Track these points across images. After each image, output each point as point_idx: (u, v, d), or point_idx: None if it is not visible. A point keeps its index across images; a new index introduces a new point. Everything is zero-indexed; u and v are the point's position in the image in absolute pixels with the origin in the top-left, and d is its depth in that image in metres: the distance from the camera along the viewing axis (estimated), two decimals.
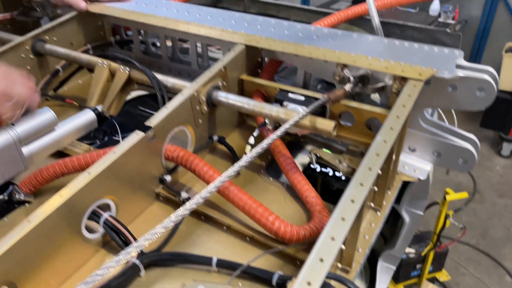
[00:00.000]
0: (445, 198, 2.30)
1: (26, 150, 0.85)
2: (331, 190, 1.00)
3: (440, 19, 4.10)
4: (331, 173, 1.01)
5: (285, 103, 0.92)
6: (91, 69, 1.12)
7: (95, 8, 1.23)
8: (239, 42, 1.02)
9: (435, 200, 2.43)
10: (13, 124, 0.83)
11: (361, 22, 1.35)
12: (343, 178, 1.00)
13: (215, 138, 0.98)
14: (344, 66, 0.92)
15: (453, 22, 4.13)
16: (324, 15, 1.39)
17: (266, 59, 1.10)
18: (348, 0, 4.65)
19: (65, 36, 1.21)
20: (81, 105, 1.11)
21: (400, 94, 0.81)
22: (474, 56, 4.63)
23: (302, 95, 0.93)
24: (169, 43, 1.26)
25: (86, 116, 0.97)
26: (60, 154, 0.96)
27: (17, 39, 1.12)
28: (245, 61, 1.03)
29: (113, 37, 1.33)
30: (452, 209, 2.51)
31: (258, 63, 1.08)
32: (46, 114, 0.88)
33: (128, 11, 1.21)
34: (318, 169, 1.01)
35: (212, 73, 0.92)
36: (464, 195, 2.38)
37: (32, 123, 0.85)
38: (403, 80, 0.86)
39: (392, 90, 0.89)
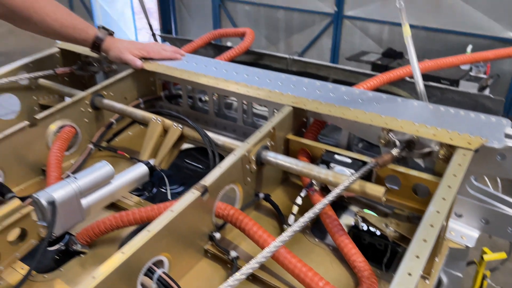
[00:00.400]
0: (482, 258, 2.22)
1: (84, 202, 0.90)
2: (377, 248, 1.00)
3: (472, 73, 4.13)
4: (378, 233, 1.01)
5: (331, 164, 0.95)
6: (142, 123, 1.19)
7: (150, 66, 1.32)
8: (287, 104, 1.07)
9: (471, 259, 2.34)
10: (75, 178, 0.88)
11: (401, 83, 1.38)
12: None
13: (261, 195, 1.00)
14: (390, 130, 0.94)
15: (484, 76, 4.15)
16: (363, 76, 1.44)
17: (311, 119, 1.14)
18: (377, 52, 4.77)
19: (120, 91, 1.29)
20: (132, 157, 1.16)
21: (450, 163, 0.82)
22: (507, 110, 4.59)
23: (349, 157, 0.95)
24: (214, 97, 1.32)
25: (140, 170, 1.01)
26: (111, 205, 1.01)
27: (79, 94, 1.21)
28: (291, 121, 1.07)
29: (162, 92, 1.41)
30: (488, 268, 2.40)
31: (303, 123, 1.12)
32: (105, 168, 0.93)
33: (180, 69, 1.29)
34: (365, 228, 1.01)
35: (262, 134, 0.96)
36: (502, 255, 2.28)
37: (92, 176, 0.91)
38: (450, 147, 0.87)
39: (438, 156, 0.90)
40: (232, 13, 6.56)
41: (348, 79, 1.50)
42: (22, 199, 0.88)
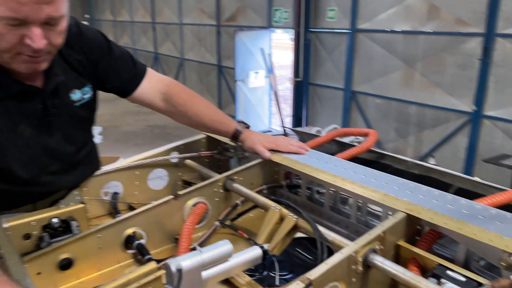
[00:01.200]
0: None
1: (204, 274, 1.03)
2: None
3: None
4: None
5: (443, 280, 0.92)
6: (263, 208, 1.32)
7: (276, 158, 1.48)
8: (400, 210, 1.09)
9: None
10: (201, 251, 1.03)
11: None
12: None
13: None
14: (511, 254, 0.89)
15: None
16: (492, 188, 1.37)
17: (426, 227, 1.13)
18: None
19: (248, 177, 1.47)
20: (249, 238, 1.29)
21: None
22: None
23: (463, 275, 0.92)
24: (331, 192, 1.40)
25: (255, 252, 1.12)
26: (225, 280, 1.12)
27: (215, 176, 1.42)
28: (404, 227, 1.08)
29: (284, 181, 1.55)
30: None
31: (417, 231, 1.12)
32: (226, 246, 1.06)
33: (302, 164, 1.42)
34: None
35: (372, 236, 1.00)
36: None
37: (215, 252, 1.04)
38: None
39: None
40: (362, 104, 6.74)
41: (475, 189, 1.44)
42: (157, 261, 1.06)
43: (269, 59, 4.80)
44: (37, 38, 1.03)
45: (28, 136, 1.21)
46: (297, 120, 8.14)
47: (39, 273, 1.11)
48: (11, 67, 1.12)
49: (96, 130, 1.80)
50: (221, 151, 1.72)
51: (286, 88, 12.56)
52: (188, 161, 1.68)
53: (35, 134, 1.22)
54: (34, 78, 1.20)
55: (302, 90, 8.05)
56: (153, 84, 1.50)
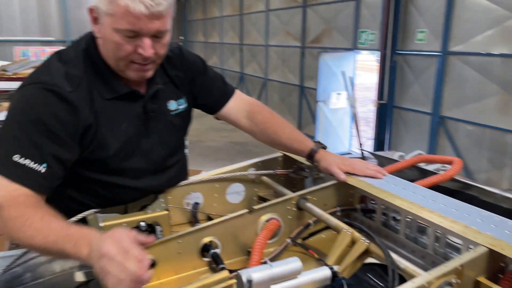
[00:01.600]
0: None
1: None
2: None
3: None
4: None
5: None
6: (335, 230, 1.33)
7: (352, 180, 1.48)
8: (482, 244, 1.03)
9: None
10: (271, 265, 1.07)
11: None
12: None
13: None
14: None
15: None
16: None
17: (510, 265, 1.05)
18: None
19: (322, 198, 1.48)
20: (319, 258, 1.30)
21: None
22: None
23: None
24: (407, 219, 1.35)
25: (324, 273, 1.13)
26: None
27: (289, 194, 1.46)
28: (485, 263, 1.02)
29: (359, 204, 1.53)
30: None
31: (500, 268, 1.05)
32: (296, 264, 1.08)
33: (378, 188, 1.40)
34: None
35: (448, 269, 0.96)
36: None
37: (284, 268, 1.07)
38: None
39: None
40: (451, 131, 6.34)
41: None
42: (229, 271, 1.12)
43: (350, 82, 4.78)
44: (147, 47, 1.24)
45: (129, 134, 1.39)
46: (379, 144, 7.88)
47: None
48: (124, 74, 1.32)
49: None
50: (297, 170, 1.76)
51: (369, 111, 12.24)
52: (264, 178, 1.74)
53: (135, 133, 1.41)
54: (139, 86, 1.41)
55: (386, 113, 7.81)
56: (238, 103, 1.66)
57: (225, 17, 15.53)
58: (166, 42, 1.31)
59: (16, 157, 1.16)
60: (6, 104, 4.90)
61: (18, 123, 1.21)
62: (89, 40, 1.35)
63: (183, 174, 1.65)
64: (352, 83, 4.57)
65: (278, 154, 1.85)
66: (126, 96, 1.37)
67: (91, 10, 1.27)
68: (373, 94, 9.10)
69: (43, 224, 1.10)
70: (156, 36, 1.25)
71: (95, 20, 1.28)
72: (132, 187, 1.45)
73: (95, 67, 1.33)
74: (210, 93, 1.62)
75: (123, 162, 1.40)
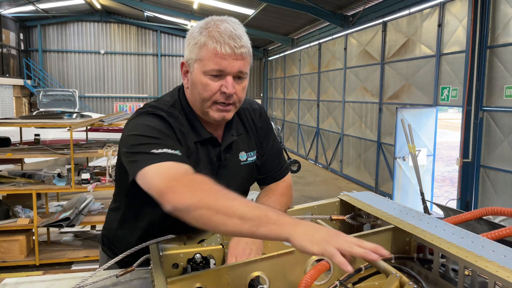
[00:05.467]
0: None
1: None
2: None
3: None
4: None
5: None
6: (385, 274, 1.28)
7: (407, 226, 1.44)
8: None
9: None
10: None
11: None
12: None
13: None
14: None
15: None
16: None
17: None
18: None
19: (375, 243, 1.44)
20: None
21: None
22: None
23: None
24: (466, 272, 1.27)
25: None
26: None
27: None
28: None
29: (416, 254, 1.47)
30: None
31: None
32: None
33: (433, 235, 1.35)
34: None
35: None
36: None
37: None
38: None
39: None
40: None
41: None
42: None
43: (409, 130, 4.63)
44: (230, 85, 1.40)
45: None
46: (465, 205, 7.30)
47: None
48: (208, 116, 1.47)
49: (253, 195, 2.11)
50: (354, 216, 1.75)
51: (453, 170, 11.46)
52: (320, 222, 1.74)
53: (206, 175, 1.53)
54: (216, 132, 1.57)
55: (471, 172, 7.29)
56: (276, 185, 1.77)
57: (303, 75, 16.07)
58: (244, 86, 1.47)
59: (154, 151, 1.30)
60: (101, 151, 5.47)
61: (140, 137, 1.36)
62: (179, 91, 1.58)
63: None
64: (410, 131, 4.41)
65: (335, 199, 1.86)
66: (207, 142, 1.54)
67: (183, 64, 1.50)
68: (458, 152, 8.62)
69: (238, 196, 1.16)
70: (237, 77, 1.42)
71: (186, 72, 1.50)
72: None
73: (185, 113, 1.52)
74: (264, 166, 1.73)
75: None
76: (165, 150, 1.31)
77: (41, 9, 20.20)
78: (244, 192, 1.74)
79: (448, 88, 7.94)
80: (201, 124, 1.52)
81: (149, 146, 1.32)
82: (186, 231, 1.57)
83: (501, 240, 1.45)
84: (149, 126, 1.39)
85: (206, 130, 1.53)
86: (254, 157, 1.67)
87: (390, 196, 8.44)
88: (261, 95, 23.05)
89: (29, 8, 19.46)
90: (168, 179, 1.21)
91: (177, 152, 1.33)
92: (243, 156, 1.63)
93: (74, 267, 5.55)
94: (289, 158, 8.41)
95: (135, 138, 1.38)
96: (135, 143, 1.36)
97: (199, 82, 1.42)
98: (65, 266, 5.59)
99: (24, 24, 21.72)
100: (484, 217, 1.68)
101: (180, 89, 1.58)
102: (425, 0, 8.60)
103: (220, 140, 1.57)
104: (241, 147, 1.63)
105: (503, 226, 1.59)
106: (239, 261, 1.38)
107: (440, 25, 8.13)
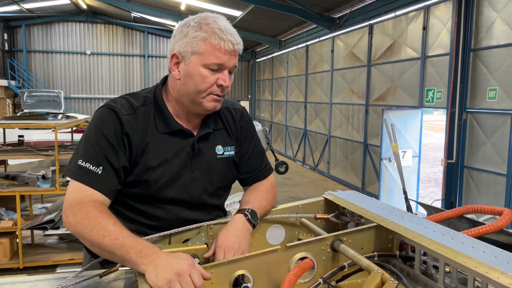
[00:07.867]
0: None
1: None
2: None
3: None
4: None
5: None
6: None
7: (389, 224, 1.46)
8: None
9: None
10: None
11: None
12: None
13: None
14: None
15: None
16: None
17: None
18: None
19: (358, 241, 1.47)
20: None
21: None
22: None
23: None
24: (447, 269, 1.29)
25: None
26: None
27: (324, 234, 1.47)
28: None
29: (398, 251, 1.49)
30: None
31: None
32: None
33: (414, 232, 1.37)
34: None
35: None
36: None
37: None
38: None
39: None
40: None
41: None
42: None
43: (392, 130, 4.67)
44: (227, 79, 1.51)
45: (174, 165, 1.57)
46: (450, 205, 7.41)
47: None
48: (200, 106, 1.54)
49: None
50: (338, 215, 1.76)
51: (438, 171, 11.62)
52: (305, 221, 1.76)
53: (179, 165, 1.59)
54: (194, 128, 1.62)
55: (456, 172, 7.41)
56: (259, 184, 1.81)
57: (290, 77, 16.13)
58: (232, 78, 1.56)
59: (80, 161, 1.45)
60: None
61: (85, 136, 1.50)
62: (157, 88, 1.63)
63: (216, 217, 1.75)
64: (393, 131, 4.46)
65: (320, 198, 1.87)
66: (178, 133, 1.58)
67: (174, 56, 1.53)
68: (442, 154, 8.73)
69: (116, 228, 1.32)
70: (230, 71, 1.52)
71: (176, 64, 1.53)
72: (168, 218, 1.62)
73: (157, 108, 1.58)
74: (246, 165, 1.77)
75: (163, 191, 1.57)
76: (87, 164, 1.44)
77: (26, 9, 19.91)
78: (223, 188, 1.75)
79: (433, 90, 8.06)
80: (172, 116, 1.58)
81: (81, 154, 1.46)
82: (171, 229, 1.58)
83: (482, 238, 1.48)
84: (95, 128, 1.49)
85: (176, 122, 1.59)
86: (232, 152, 1.70)
87: (377, 196, 8.52)
88: (249, 96, 23.07)
89: (14, 8, 19.17)
90: (70, 202, 1.39)
91: (99, 169, 1.44)
92: (219, 149, 1.67)
93: (59, 270, 5.47)
94: (276, 159, 8.42)
95: (83, 136, 1.52)
96: (79, 142, 1.52)
97: (197, 74, 1.48)
98: (49, 269, 5.51)
99: (8, 24, 21.36)
100: (466, 216, 1.72)
101: (158, 86, 1.64)
102: (410, 3, 8.72)
103: (196, 132, 1.62)
104: (218, 141, 1.67)
105: (481, 223, 1.62)
106: (226, 258, 1.39)
107: (425, 28, 8.25)
